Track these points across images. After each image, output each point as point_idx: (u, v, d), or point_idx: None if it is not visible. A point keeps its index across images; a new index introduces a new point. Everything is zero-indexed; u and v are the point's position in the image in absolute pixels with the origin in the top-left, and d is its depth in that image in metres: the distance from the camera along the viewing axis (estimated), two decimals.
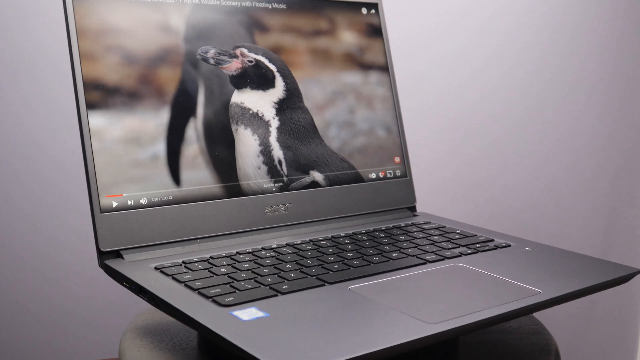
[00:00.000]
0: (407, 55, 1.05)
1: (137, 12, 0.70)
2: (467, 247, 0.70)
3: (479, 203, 1.14)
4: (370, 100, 0.84)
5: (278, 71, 0.77)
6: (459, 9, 1.11)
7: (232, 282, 0.59)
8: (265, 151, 0.75)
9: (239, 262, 0.64)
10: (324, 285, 0.59)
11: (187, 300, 0.55)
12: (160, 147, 0.69)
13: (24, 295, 0.98)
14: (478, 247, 0.70)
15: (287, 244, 0.70)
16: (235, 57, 0.75)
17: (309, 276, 0.61)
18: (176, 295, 0.57)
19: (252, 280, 0.60)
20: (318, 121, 0.79)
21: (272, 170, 0.75)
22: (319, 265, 0.64)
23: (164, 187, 0.69)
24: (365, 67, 0.84)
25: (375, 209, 0.81)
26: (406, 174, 0.85)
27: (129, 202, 0.67)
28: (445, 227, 0.78)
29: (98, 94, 0.67)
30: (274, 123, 0.76)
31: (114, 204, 0.66)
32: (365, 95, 0.84)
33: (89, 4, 0.67)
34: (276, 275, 0.61)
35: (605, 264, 0.66)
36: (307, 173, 0.78)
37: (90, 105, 0.66)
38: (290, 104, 0.78)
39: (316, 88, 0.80)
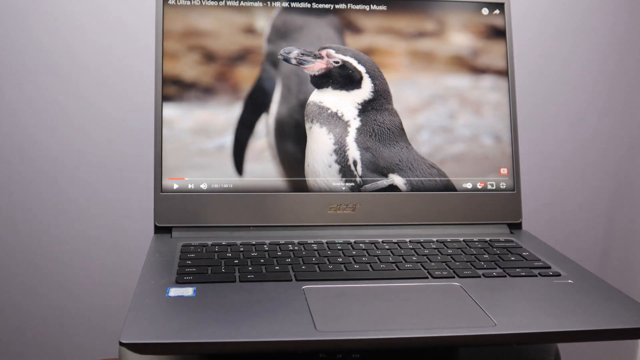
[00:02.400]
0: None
1: (223, 16, 0.77)
2: (505, 270, 0.63)
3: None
4: (478, 105, 0.79)
5: (367, 72, 0.77)
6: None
7: (219, 265, 0.62)
8: (340, 150, 0.76)
9: (257, 250, 0.67)
10: (289, 281, 0.59)
11: (154, 272, 0.61)
12: (228, 139, 0.75)
13: (23, 295, 1.00)
14: (518, 272, 0.62)
15: (326, 242, 0.70)
16: (320, 57, 0.77)
17: (291, 271, 0.61)
18: (156, 267, 0.62)
19: (236, 266, 0.62)
20: (407, 124, 0.77)
21: (345, 170, 0.76)
22: (317, 263, 0.64)
23: (226, 176, 0.75)
24: (478, 70, 0.79)
25: (463, 221, 0.76)
26: (513, 187, 0.78)
27: (189, 186, 0.74)
28: (520, 247, 0.70)
29: (175, 89, 0.75)
30: (354, 123, 0.76)
31: (175, 186, 0.74)
32: (473, 100, 0.79)
33: (178, 9, 0.76)
34: (262, 267, 0.62)
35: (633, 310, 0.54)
36: (386, 176, 0.76)
37: (166, 98, 0.75)
38: (376, 106, 0.77)
39: (411, 90, 0.78)
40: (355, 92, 0.77)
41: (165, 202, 0.73)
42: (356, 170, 0.76)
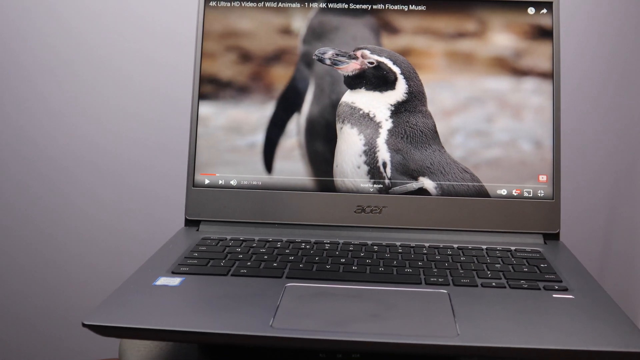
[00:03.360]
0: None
1: (261, 17, 0.78)
2: (509, 281, 0.60)
3: None
4: (518, 109, 0.75)
5: (402, 73, 0.76)
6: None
7: (221, 259, 0.64)
8: (370, 151, 0.75)
9: (268, 247, 0.68)
10: (279, 278, 0.60)
11: (158, 261, 0.63)
12: (259, 137, 0.77)
13: (23, 295, 1.01)
14: (520, 284, 0.59)
15: (342, 242, 0.70)
16: (355, 58, 0.77)
17: (287, 269, 0.61)
18: (162, 257, 0.65)
19: (237, 261, 0.63)
20: (441, 127, 0.75)
21: (374, 171, 0.75)
22: (317, 262, 0.64)
23: (255, 173, 0.76)
24: (520, 72, 0.76)
25: (495, 229, 0.73)
26: (552, 196, 0.74)
27: (220, 182, 0.76)
28: (543, 259, 0.66)
29: (211, 87, 0.78)
30: (386, 125, 0.75)
31: (206, 181, 0.76)
32: (513, 104, 0.75)
33: (218, 11, 0.78)
34: (261, 262, 0.63)
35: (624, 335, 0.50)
36: (415, 179, 0.75)
37: (203, 96, 0.77)
38: (409, 107, 0.76)
39: (447, 92, 0.76)
40: (389, 93, 0.76)
41: (197, 197, 0.76)
42: (385, 172, 0.75)
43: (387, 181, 0.75)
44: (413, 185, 0.75)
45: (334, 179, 0.76)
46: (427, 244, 0.70)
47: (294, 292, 0.56)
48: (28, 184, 1.01)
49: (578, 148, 0.95)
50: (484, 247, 0.70)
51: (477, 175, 0.75)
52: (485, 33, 0.77)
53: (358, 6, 0.78)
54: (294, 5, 0.78)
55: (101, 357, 1.01)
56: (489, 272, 0.62)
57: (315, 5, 0.78)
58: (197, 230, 0.74)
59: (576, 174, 0.95)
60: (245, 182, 0.76)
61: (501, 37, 0.76)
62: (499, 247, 0.70)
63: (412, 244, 0.70)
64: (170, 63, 0.97)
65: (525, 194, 0.74)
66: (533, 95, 0.76)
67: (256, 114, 0.77)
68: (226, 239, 0.71)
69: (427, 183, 0.75)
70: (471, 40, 0.77)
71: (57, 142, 1.00)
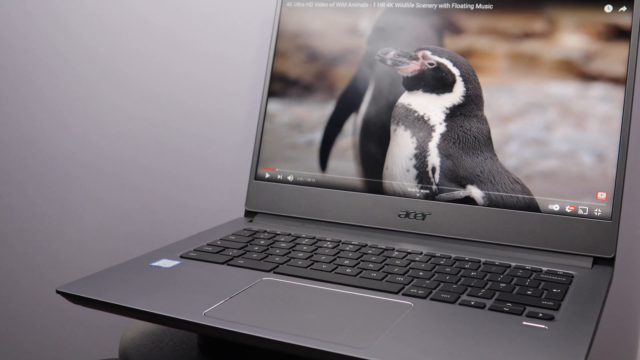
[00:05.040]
0: None
1: (332, 17, 0.79)
2: (496, 301, 0.56)
3: None
4: (582, 117, 0.68)
5: (461, 76, 0.72)
6: None
7: (234, 249, 0.67)
8: (420, 155, 0.73)
9: (293, 242, 0.70)
10: (266, 271, 0.62)
11: (178, 245, 0.68)
12: (317, 136, 0.78)
13: (23, 295, 1.01)
14: (501, 306, 0.54)
15: (369, 245, 0.70)
16: (415, 59, 0.74)
17: (283, 265, 0.63)
18: (187, 242, 0.70)
19: (247, 252, 0.66)
20: (496, 134, 0.71)
21: (422, 176, 0.73)
22: (317, 262, 0.65)
23: (310, 170, 0.78)
24: (588, 77, 0.68)
25: (541, 246, 0.67)
26: (611, 216, 0.66)
27: (279, 177, 0.79)
28: (567, 284, 0.60)
29: (280, 85, 0.80)
30: (439, 129, 0.73)
31: (267, 175, 0.80)
32: (576, 111, 0.68)
33: (293, 11, 0.81)
34: (267, 255, 0.66)
35: None
36: (463, 186, 0.71)
37: (271, 94, 0.80)
38: (465, 111, 0.72)
39: (506, 97, 0.71)
40: (446, 95, 0.73)
41: (257, 189, 0.80)
42: (433, 177, 0.73)
43: (434, 187, 0.72)
44: (460, 193, 0.72)
45: (383, 181, 0.75)
46: (453, 255, 0.67)
47: (262, 287, 0.58)
48: (27, 185, 1.05)
49: None
50: (513, 264, 0.65)
51: (529, 188, 0.69)
52: (554, 33, 0.70)
53: (424, 5, 0.76)
54: (362, 5, 0.78)
55: (101, 357, 1.03)
56: (483, 290, 0.58)
57: (382, 5, 0.77)
58: (250, 221, 0.78)
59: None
60: (301, 179, 0.78)
61: (571, 37, 0.70)
62: (527, 266, 0.64)
63: (437, 254, 0.67)
64: (170, 63, 0.97)
65: (580, 212, 0.67)
66: (600, 102, 0.68)
67: (317, 112, 0.79)
68: (265, 231, 0.74)
69: (475, 192, 0.71)
70: (537, 41, 0.71)
71: (57, 142, 1.03)
